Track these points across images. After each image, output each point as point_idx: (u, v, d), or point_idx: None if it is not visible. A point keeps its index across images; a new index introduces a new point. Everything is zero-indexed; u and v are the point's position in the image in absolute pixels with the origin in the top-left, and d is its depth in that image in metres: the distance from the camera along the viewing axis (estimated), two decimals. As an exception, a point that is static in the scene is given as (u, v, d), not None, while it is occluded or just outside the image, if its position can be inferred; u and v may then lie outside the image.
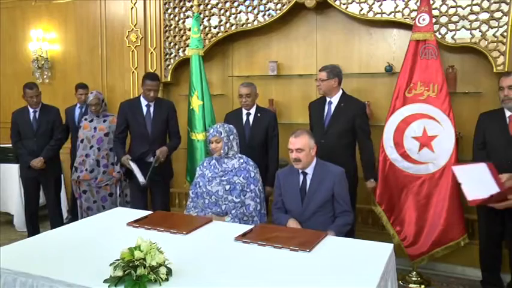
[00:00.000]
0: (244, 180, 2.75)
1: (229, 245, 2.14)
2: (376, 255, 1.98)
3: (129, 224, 2.45)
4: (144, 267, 1.62)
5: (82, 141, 3.82)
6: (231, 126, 2.90)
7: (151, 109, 3.54)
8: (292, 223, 2.56)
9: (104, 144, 3.78)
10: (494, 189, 2.28)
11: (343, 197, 2.59)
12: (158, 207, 3.48)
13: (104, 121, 3.83)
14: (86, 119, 3.88)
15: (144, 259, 1.63)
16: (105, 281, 1.65)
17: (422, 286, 3.26)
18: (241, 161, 2.82)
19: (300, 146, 2.56)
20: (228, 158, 2.81)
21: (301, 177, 2.64)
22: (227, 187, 2.75)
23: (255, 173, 2.81)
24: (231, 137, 2.82)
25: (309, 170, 2.63)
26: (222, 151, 2.78)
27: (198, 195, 2.85)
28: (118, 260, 1.67)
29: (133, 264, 1.63)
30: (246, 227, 2.37)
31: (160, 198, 3.60)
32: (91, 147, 3.79)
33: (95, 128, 3.81)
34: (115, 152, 3.69)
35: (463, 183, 2.27)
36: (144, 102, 3.53)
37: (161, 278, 1.65)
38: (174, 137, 3.68)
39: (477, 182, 2.27)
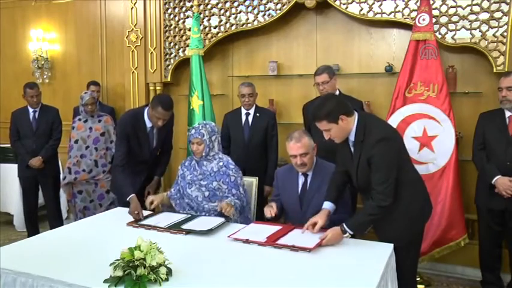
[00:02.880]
0: (224, 185, 2.64)
1: (229, 245, 2.14)
2: (376, 255, 1.98)
3: (129, 224, 2.45)
4: (144, 267, 1.62)
5: (76, 141, 3.73)
6: (212, 125, 2.75)
7: (155, 130, 3.05)
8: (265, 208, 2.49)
9: (101, 144, 3.73)
10: (275, 227, 2.32)
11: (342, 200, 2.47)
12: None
13: (99, 121, 3.78)
14: (79, 119, 3.79)
15: (144, 259, 1.63)
16: (105, 281, 1.65)
17: (422, 286, 3.27)
18: (221, 164, 2.67)
19: (304, 150, 2.43)
20: (207, 161, 2.69)
21: (302, 178, 2.56)
22: (206, 193, 2.65)
23: (236, 177, 2.67)
24: (213, 138, 2.68)
25: (309, 172, 2.55)
26: (203, 153, 2.66)
27: (180, 193, 2.77)
28: (118, 260, 1.67)
29: (133, 264, 1.63)
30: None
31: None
32: (87, 147, 3.73)
33: (91, 128, 3.74)
34: (119, 186, 2.91)
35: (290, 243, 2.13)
36: (149, 123, 2.99)
37: (161, 278, 1.65)
38: (165, 151, 3.29)
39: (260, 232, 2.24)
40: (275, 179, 2.71)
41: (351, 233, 2.13)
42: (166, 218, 2.52)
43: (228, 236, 2.19)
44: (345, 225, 2.12)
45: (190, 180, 2.72)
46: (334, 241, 2.12)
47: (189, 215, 2.58)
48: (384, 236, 2.21)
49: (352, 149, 2.23)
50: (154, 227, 2.37)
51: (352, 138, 2.19)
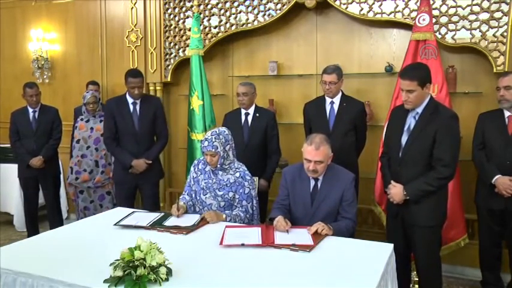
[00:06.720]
0: (237, 195, 2.62)
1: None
2: (376, 255, 1.98)
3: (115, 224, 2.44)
4: (144, 267, 1.62)
5: (78, 141, 3.80)
6: (225, 133, 2.64)
7: (138, 107, 3.42)
8: (281, 221, 2.31)
9: (102, 145, 3.75)
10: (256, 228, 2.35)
11: (348, 204, 2.46)
12: (148, 208, 3.19)
13: (101, 121, 3.80)
14: (81, 119, 3.85)
15: (144, 259, 1.64)
16: (105, 281, 1.65)
17: (422, 286, 3.26)
18: (237, 174, 2.63)
19: (320, 158, 2.37)
20: (223, 170, 2.63)
21: (312, 182, 2.50)
22: (222, 203, 2.62)
23: (250, 189, 2.63)
24: (227, 147, 2.60)
25: (320, 176, 2.49)
26: (218, 164, 2.59)
27: (192, 198, 2.74)
28: (118, 260, 1.67)
29: (133, 264, 1.63)
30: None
31: (152, 199, 3.50)
32: (87, 147, 3.77)
33: (92, 129, 3.78)
34: (118, 157, 3.44)
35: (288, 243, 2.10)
36: (130, 100, 3.41)
37: (161, 278, 1.65)
38: (160, 136, 3.56)
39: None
40: (282, 179, 2.61)
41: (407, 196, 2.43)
42: (142, 218, 2.53)
43: (220, 244, 2.11)
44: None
45: (205, 187, 2.67)
46: (397, 196, 2.45)
47: (163, 213, 2.63)
48: (420, 216, 2.47)
49: (412, 121, 2.46)
50: (138, 226, 2.37)
51: (419, 110, 2.43)
